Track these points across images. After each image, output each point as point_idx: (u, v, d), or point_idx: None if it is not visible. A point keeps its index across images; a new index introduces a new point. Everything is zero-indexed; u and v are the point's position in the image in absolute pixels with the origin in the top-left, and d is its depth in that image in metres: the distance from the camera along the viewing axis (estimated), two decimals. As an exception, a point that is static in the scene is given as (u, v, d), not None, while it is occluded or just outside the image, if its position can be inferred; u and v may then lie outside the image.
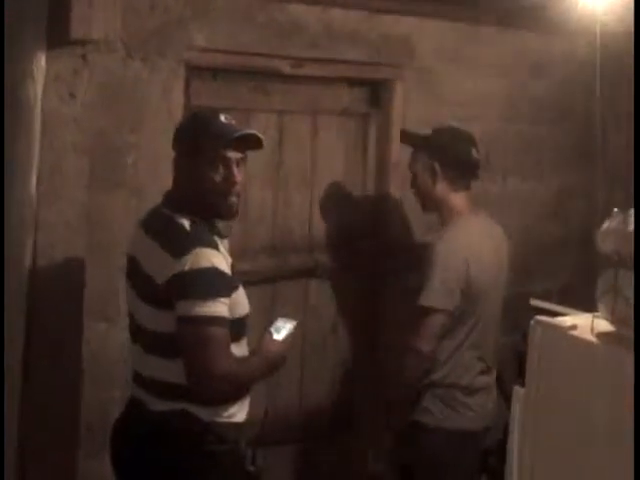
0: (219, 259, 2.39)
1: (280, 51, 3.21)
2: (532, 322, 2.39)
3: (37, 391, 2.83)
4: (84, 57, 2.83)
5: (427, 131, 3.08)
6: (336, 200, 3.52)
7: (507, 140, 3.61)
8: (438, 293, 2.89)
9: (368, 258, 3.57)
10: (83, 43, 2.79)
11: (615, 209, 2.24)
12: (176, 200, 2.50)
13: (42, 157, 2.79)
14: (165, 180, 3.03)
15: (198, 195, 2.47)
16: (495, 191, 3.59)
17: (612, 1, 3.03)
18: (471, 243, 2.99)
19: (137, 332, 2.52)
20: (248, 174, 3.26)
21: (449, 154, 3.01)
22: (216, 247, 2.42)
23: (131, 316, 2.56)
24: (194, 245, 2.36)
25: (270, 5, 3.16)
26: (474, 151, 3.05)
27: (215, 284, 2.36)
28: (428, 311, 2.89)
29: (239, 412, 2.49)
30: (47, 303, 2.83)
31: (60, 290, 2.85)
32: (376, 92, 3.53)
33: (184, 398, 2.41)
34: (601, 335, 2.23)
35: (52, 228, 2.82)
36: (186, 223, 2.43)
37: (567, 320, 2.36)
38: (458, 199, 3.04)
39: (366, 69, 3.43)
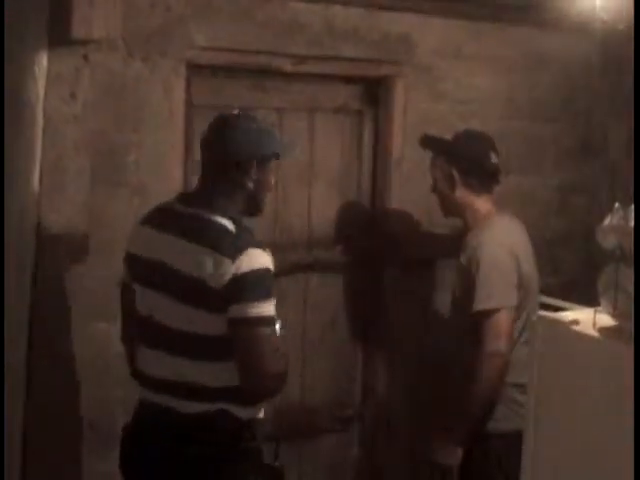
0: (267, 258, 2.39)
1: (281, 49, 3.21)
2: (534, 317, 2.39)
3: (39, 391, 2.83)
4: (85, 57, 2.84)
5: (447, 137, 3.08)
6: (334, 196, 3.53)
7: (508, 137, 3.60)
8: (497, 292, 2.87)
9: (366, 253, 3.58)
10: (84, 43, 2.79)
11: (616, 204, 2.23)
12: (208, 200, 2.47)
13: (44, 156, 2.80)
14: (167, 178, 3.07)
15: (236, 197, 2.48)
16: (497, 188, 3.58)
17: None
18: (512, 240, 3.00)
19: (159, 336, 2.45)
20: None
21: (467, 160, 3.00)
22: (261, 246, 2.41)
23: (144, 319, 2.48)
24: (246, 246, 2.35)
25: (270, 3, 3.16)
26: (493, 156, 3.02)
27: (269, 284, 2.37)
28: (493, 312, 2.86)
29: (262, 409, 2.50)
30: (49, 302, 2.83)
31: (62, 289, 2.85)
32: (374, 89, 3.53)
33: (223, 398, 2.41)
34: (603, 330, 2.22)
35: (54, 227, 2.83)
36: (227, 223, 2.41)
37: (569, 315, 2.36)
38: (481, 203, 3.03)
39: (367, 66, 3.42)
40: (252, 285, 2.33)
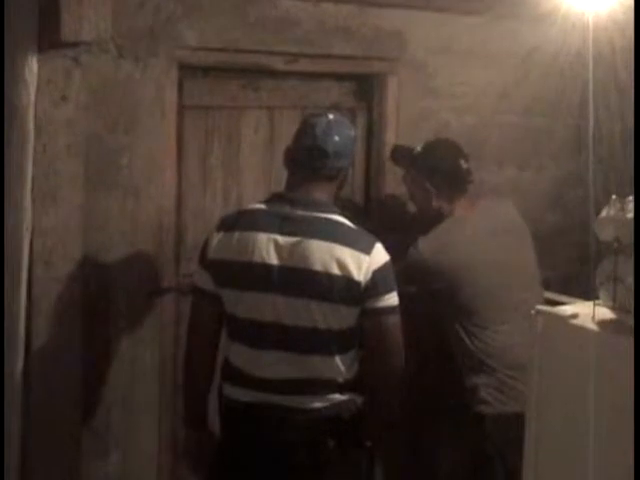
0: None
1: (273, 47, 3.21)
2: (533, 311, 2.40)
3: (38, 395, 2.84)
4: (75, 59, 2.81)
5: (417, 149, 3.12)
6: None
7: (502, 130, 3.62)
8: None
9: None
10: (74, 45, 2.77)
11: (613, 196, 2.25)
12: (316, 201, 2.55)
13: (36, 160, 2.77)
14: (160, 180, 3.07)
15: (333, 196, 2.61)
16: (492, 181, 3.59)
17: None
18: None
19: (276, 336, 2.49)
20: (240, 171, 3.34)
21: (439, 173, 3.06)
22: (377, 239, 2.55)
23: (249, 322, 2.52)
24: (373, 241, 2.53)
25: (261, 1, 3.16)
26: (463, 162, 3.08)
27: (393, 275, 2.56)
28: None
29: None
30: (46, 306, 2.83)
31: (58, 293, 2.85)
32: (366, 86, 3.54)
33: (351, 389, 2.55)
34: (603, 323, 2.24)
35: (48, 231, 2.81)
36: (346, 221, 2.55)
37: (568, 309, 2.37)
38: (457, 207, 3.08)
39: (359, 63, 3.42)
40: (386, 277, 2.51)
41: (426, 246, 2.98)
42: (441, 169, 3.06)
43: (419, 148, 3.13)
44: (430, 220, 3.08)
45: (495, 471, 2.88)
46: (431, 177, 3.05)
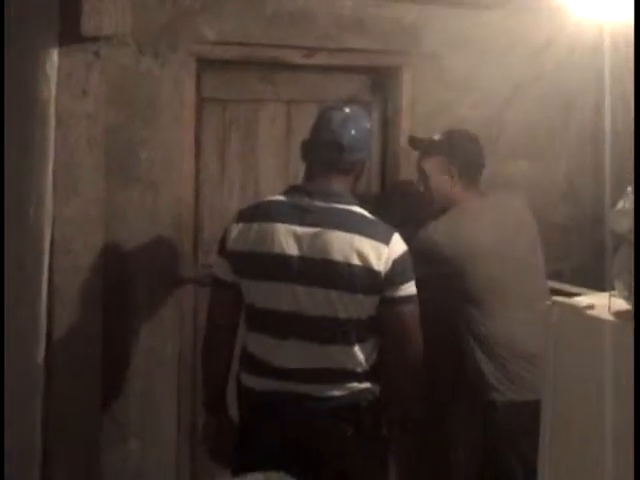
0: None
1: (289, 41, 3.23)
2: (548, 302, 2.40)
3: (59, 383, 2.88)
4: (96, 53, 2.85)
5: (437, 136, 3.14)
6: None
7: (516, 123, 3.61)
8: None
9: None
10: (95, 39, 2.81)
11: (629, 188, 2.24)
12: (335, 193, 2.57)
13: (57, 153, 2.81)
14: (179, 172, 3.11)
15: (351, 188, 2.64)
16: (505, 173, 3.59)
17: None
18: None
19: (301, 327, 2.52)
20: (258, 163, 3.36)
21: (465, 157, 3.09)
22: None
23: (267, 312, 2.54)
24: (391, 231, 2.56)
25: None
26: (479, 153, 3.14)
27: (411, 265, 2.59)
28: None
29: None
30: (66, 295, 2.87)
31: (79, 282, 2.89)
32: (382, 80, 3.54)
33: (369, 377, 2.58)
34: (619, 314, 2.22)
35: (69, 221, 2.86)
36: (365, 213, 2.58)
37: (584, 300, 2.35)
38: (470, 195, 3.11)
39: (375, 57, 3.42)
40: (404, 267, 2.55)
41: (436, 229, 3.01)
42: (465, 155, 3.09)
43: (437, 137, 3.14)
44: (442, 206, 3.11)
45: (508, 459, 2.90)
46: (454, 161, 3.07)
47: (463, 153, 3.09)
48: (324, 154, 2.59)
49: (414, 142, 3.26)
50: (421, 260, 2.80)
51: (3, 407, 2.45)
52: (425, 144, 3.18)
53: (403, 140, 3.48)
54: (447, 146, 3.10)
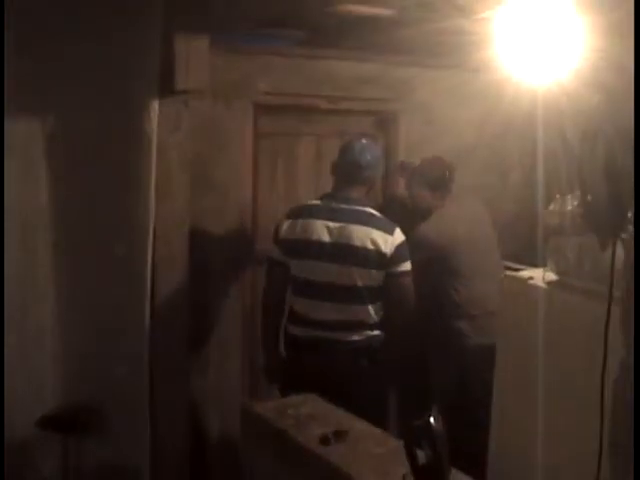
0: None
1: (320, 92, 3.25)
2: (502, 275, 2.50)
3: (161, 334, 2.81)
4: (185, 102, 2.84)
5: (416, 163, 3.17)
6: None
7: (479, 150, 3.53)
8: None
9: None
10: (184, 92, 2.81)
11: (557, 195, 2.32)
12: (355, 198, 2.65)
13: (157, 170, 2.81)
14: (242, 186, 3.12)
15: (366, 195, 2.71)
16: (472, 184, 3.46)
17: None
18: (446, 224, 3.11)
19: (331, 292, 2.59)
20: (296, 179, 3.35)
21: (432, 180, 3.12)
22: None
23: (305, 281, 2.61)
24: (393, 225, 2.63)
25: (313, 60, 3.23)
26: (447, 172, 3.15)
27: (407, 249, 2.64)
28: None
29: None
30: (165, 269, 2.80)
31: (173, 260, 2.83)
32: (385, 120, 3.50)
33: (379, 328, 2.64)
34: (550, 283, 2.32)
35: (166, 217, 2.82)
36: (376, 213, 2.65)
37: (526, 273, 2.45)
38: (445, 202, 3.15)
39: (380, 104, 3.42)
40: (404, 250, 2.61)
41: (426, 227, 3.09)
42: (432, 178, 3.13)
43: (417, 162, 3.19)
44: (426, 212, 3.17)
45: (475, 385, 2.92)
46: (427, 183, 3.12)
47: (431, 177, 3.12)
48: (348, 171, 2.69)
49: (402, 168, 3.27)
50: (418, 248, 2.87)
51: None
52: (408, 171, 3.21)
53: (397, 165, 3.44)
54: (419, 174, 3.14)
